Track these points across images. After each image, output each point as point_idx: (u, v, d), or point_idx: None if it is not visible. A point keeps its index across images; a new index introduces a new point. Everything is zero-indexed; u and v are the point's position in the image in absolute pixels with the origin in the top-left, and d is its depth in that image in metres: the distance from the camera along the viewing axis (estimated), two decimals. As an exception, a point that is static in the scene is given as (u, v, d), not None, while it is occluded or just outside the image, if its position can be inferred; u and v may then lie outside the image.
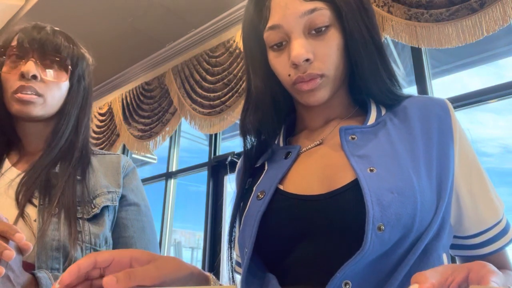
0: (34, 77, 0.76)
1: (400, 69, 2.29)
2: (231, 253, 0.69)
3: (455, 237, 0.62)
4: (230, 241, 0.68)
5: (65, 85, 0.80)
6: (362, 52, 0.63)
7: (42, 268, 0.65)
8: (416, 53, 1.96)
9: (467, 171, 0.61)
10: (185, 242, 4.11)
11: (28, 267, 0.64)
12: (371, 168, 0.55)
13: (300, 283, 0.53)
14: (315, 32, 0.61)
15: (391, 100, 0.66)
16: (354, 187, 0.52)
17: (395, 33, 1.86)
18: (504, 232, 0.61)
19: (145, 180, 3.34)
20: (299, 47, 0.59)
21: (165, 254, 2.88)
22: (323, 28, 0.60)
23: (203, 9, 2.75)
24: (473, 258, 0.58)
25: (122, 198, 0.83)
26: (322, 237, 0.53)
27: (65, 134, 0.81)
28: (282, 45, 0.63)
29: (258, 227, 0.57)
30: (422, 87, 1.88)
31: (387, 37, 1.95)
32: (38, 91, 0.77)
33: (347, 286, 0.49)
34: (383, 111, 0.66)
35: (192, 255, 4.25)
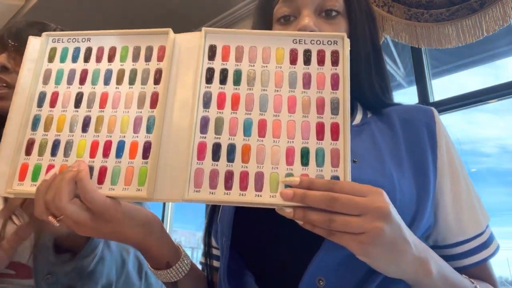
0: (5, 68, 0.77)
1: (400, 69, 2.29)
2: (209, 238, 0.70)
3: (435, 247, 0.61)
4: (209, 226, 0.69)
5: None
6: (362, 51, 0.67)
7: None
8: (416, 53, 1.97)
9: (450, 179, 0.61)
10: (185, 242, 4.11)
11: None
12: (354, 159, 0.57)
13: (277, 277, 0.56)
14: (325, 14, 0.66)
15: (379, 104, 0.68)
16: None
17: (395, 33, 1.87)
18: (485, 245, 0.61)
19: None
20: (309, 19, 0.64)
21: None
22: (334, 13, 0.65)
23: (207, 7, 2.75)
24: (455, 269, 0.56)
25: None
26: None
27: None
28: (289, 20, 0.66)
29: (234, 214, 0.59)
30: (422, 87, 1.89)
31: (387, 37, 1.95)
32: (10, 82, 0.77)
33: (321, 283, 0.51)
34: (369, 114, 0.69)
35: (192, 255, 4.24)
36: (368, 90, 0.68)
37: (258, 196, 0.51)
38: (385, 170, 0.58)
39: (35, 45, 0.61)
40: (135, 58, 0.59)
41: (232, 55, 0.58)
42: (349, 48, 0.57)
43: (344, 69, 0.56)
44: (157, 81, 0.57)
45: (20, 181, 0.54)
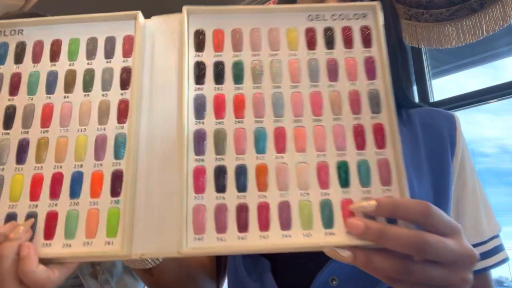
0: None
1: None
2: None
3: None
4: None
5: None
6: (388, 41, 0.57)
7: None
8: (416, 53, 1.94)
9: (461, 186, 0.60)
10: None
11: None
12: None
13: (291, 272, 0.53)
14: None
15: (407, 103, 0.64)
16: None
17: (395, 33, 1.82)
18: (486, 255, 0.59)
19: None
20: None
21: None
22: None
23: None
24: None
25: None
26: None
27: None
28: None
29: None
30: (422, 87, 1.87)
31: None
32: None
33: (334, 282, 0.49)
34: None
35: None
36: (395, 84, 0.59)
37: (287, 236, 0.35)
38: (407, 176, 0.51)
39: None
40: (91, 54, 0.42)
41: (228, 42, 0.42)
42: (383, 22, 0.42)
43: (381, 49, 0.41)
44: (124, 85, 0.41)
45: None
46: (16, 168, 0.38)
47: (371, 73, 0.41)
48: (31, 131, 0.39)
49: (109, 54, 0.42)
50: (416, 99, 1.87)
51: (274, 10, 0.43)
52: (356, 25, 0.43)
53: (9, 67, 0.42)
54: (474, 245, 0.58)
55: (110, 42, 0.43)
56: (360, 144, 0.38)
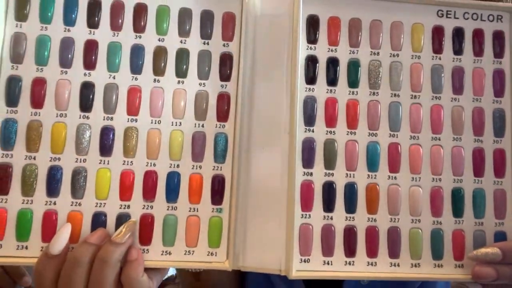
0: None
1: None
2: None
3: None
4: None
5: None
6: None
7: None
8: None
9: None
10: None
11: None
12: None
13: None
14: None
15: None
16: None
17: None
18: None
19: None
20: None
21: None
22: None
23: None
24: None
25: None
26: None
27: None
28: None
29: None
30: None
31: None
32: None
33: (365, 280, 0.45)
34: None
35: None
36: None
37: (394, 265, 0.34)
38: None
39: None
40: (184, 30, 0.36)
41: (345, 35, 0.36)
42: (520, 29, 0.37)
43: (513, 63, 0.36)
44: (226, 75, 0.36)
45: None
46: (99, 161, 0.34)
47: (499, 89, 0.37)
48: (115, 118, 0.34)
49: (205, 33, 0.36)
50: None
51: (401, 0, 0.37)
52: (489, 29, 0.37)
53: (81, 31, 0.36)
54: None
55: (207, 18, 0.36)
56: (479, 170, 0.36)
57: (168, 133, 0.35)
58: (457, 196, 0.35)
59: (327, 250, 0.34)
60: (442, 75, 0.36)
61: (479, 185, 0.35)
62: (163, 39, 0.36)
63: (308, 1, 0.36)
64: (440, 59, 0.36)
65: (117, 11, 0.36)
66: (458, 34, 0.37)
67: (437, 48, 0.36)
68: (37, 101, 0.34)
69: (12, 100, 0.34)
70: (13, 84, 0.34)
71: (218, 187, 0.34)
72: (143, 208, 0.34)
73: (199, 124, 0.35)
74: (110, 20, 0.36)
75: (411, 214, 0.35)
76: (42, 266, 0.30)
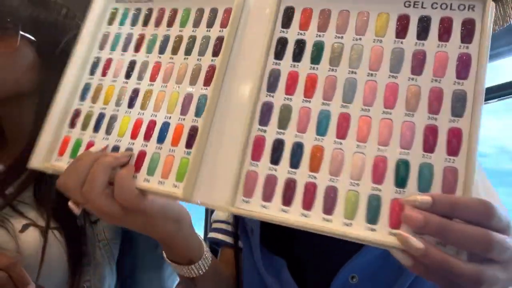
0: None
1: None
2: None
3: None
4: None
5: (21, 54, 0.64)
6: None
7: None
8: None
9: None
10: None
11: None
12: None
13: (309, 270, 0.55)
14: None
15: None
16: None
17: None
18: None
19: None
20: None
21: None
22: None
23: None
24: None
25: None
26: None
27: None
28: None
29: None
30: None
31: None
32: None
33: (354, 280, 0.50)
34: None
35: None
36: None
37: (326, 220, 0.37)
38: None
39: (99, 4, 0.54)
40: (197, 22, 0.48)
41: (314, 22, 0.42)
42: (493, 18, 0.37)
43: (481, 48, 0.37)
44: (216, 52, 0.46)
45: (60, 156, 0.48)
46: (126, 111, 0.47)
47: (462, 71, 0.37)
48: (142, 83, 0.48)
49: (210, 23, 0.47)
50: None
51: (369, -7, 0.42)
52: (459, 17, 0.38)
53: (138, 29, 0.51)
54: None
55: (213, 13, 0.48)
56: (429, 146, 0.36)
57: (170, 94, 0.46)
58: (401, 167, 0.36)
59: (266, 196, 0.38)
60: (402, 57, 0.39)
61: (427, 159, 0.36)
62: (182, 30, 0.48)
63: (288, -4, 0.44)
64: (402, 43, 0.39)
65: (160, 14, 0.50)
66: (425, 21, 0.39)
67: (401, 34, 0.40)
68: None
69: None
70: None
71: (192, 135, 0.43)
72: (141, 146, 0.45)
73: (190, 88, 0.45)
74: (156, 19, 0.50)
75: (351, 178, 0.37)
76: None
